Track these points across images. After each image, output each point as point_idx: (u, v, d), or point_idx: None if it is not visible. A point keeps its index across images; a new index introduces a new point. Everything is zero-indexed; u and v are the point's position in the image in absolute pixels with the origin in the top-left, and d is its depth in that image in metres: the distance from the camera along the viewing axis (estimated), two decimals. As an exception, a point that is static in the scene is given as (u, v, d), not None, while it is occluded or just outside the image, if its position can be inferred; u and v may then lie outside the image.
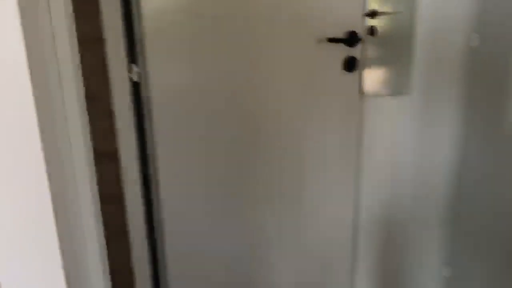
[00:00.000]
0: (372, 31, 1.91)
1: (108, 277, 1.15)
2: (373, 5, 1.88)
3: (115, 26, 1.51)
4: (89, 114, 1.87)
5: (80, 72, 1.00)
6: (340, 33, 1.67)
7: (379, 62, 1.90)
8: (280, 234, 1.90)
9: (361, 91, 1.79)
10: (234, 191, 1.82)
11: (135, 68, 1.57)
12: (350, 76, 1.73)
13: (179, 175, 1.75)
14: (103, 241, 1.12)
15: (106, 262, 1.17)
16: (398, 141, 1.92)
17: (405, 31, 1.84)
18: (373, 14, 1.88)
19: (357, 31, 1.67)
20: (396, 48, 1.89)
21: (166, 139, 1.70)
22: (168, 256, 1.84)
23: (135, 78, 1.58)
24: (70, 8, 0.95)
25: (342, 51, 1.70)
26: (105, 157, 1.86)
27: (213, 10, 1.59)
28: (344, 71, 1.72)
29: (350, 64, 1.71)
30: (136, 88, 1.63)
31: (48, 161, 0.75)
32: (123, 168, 1.72)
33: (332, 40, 1.66)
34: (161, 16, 1.54)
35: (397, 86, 1.88)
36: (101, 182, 1.98)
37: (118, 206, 1.89)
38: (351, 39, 1.67)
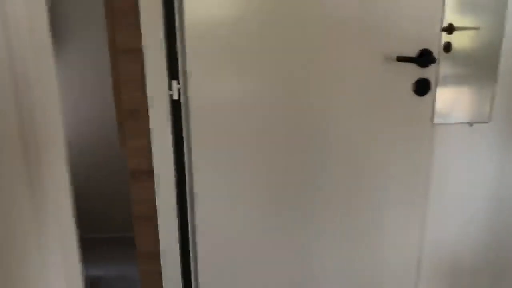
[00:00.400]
0: (447, 47, 1.66)
1: None
2: (450, 19, 1.64)
3: (155, 39, 1.36)
4: (128, 130, 1.76)
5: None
6: (411, 51, 1.44)
7: (455, 84, 1.65)
8: (335, 265, 1.69)
9: (433, 118, 1.55)
10: (281, 217, 1.62)
11: (175, 85, 1.41)
12: (421, 101, 1.50)
13: (218, 198, 1.58)
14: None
15: None
16: (474, 175, 1.66)
17: (488, 49, 1.59)
18: (449, 29, 1.64)
19: (431, 49, 1.44)
20: (476, 68, 1.63)
21: (205, 159, 1.54)
22: (201, 282, 1.68)
23: (175, 96, 1.42)
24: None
25: (413, 72, 1.46)
26: (143, 176, 1.73)
27: (263, 21, 1.41)
28: (414, 94, 1.49)
29: (422, 87, 1.47)
30: (176, 105, 1.48)
31: None
32: (157, 188, 1.57)
33: (402, 59, 1.44)
34: (205, 29, 1.38)
35: (475, 113, 1.63)
36: (138, 201, 1.86)
37: (155, 226, 1.76)
38: (424, 58, 1.43)
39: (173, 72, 1.41)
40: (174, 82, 1.41)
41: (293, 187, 1.59)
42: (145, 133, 1.63)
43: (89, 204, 2.82)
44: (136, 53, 1.47)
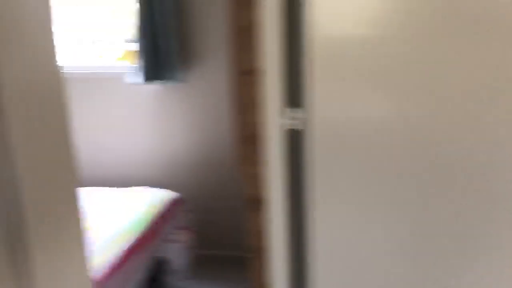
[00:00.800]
0: None
1: None
2: None
3: (274, 61, 1.22)
4: (246, 156, 1.65)
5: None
6: None
7: None
8: None
9: None
10: (418, 263, 1.35)
11: (295, 113, 1.25)
12: None
13: (338, 233, 1.37)
14: None
15: None
16: None
17: None
18: None
19: None
20: None
21: (325, 191, 1.35)
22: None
23: (293, 125, 1.26)
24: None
25: None
26: (259, 205, 1.60)
27: (404, 40, 1.18)
28: None
29: None
30: (294, 133, 1.32)
31: None
32: (267, 219, 1.43)
33: None
34: (333, 49, 1.20)
35: None
36: (252, 232, 1.74)
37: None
38: None
39: (293, 98, 1.26)
40: (294, 110, 1.25)
41: (433, 232, 1.32)
42: (263, 160, 1.50)
43: (204, 222, 2.81)
44: (259, 75, 1.36)
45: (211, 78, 2.59)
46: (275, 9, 1.23)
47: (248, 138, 1.50)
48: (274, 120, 1.27)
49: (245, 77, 1.48)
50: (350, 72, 1.22)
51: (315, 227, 1.42)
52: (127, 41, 2.82)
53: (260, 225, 1.59)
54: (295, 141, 1.33)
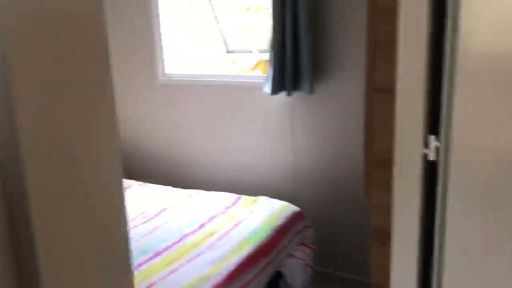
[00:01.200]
0: None
1: None
2: None
3: (413, 80, 1.07)
4: (375, 181, 1.51)
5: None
6: None
7: None
8: None
9: None
10: None
11: (433, 141, 1.09)
12: None
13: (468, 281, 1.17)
14: None
15: None
16: None
17: None
18: None
19: None
20: None
21: (464, 236, 1.16)
22: None
23: (432, 156, 1.10)
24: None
25: None
26: (387, 237, 1.46)
27: None
28: None
29: None
30: (431, 165, 1.15)
31: None
32: (393, 254, 1.28)
33: None
34: (487, 69, 1.01)
35: None
36: (379, 266, 1.59)
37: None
38: None
39: (433, 125, 1.10)
40: (432, 138, 1.09)
41: None
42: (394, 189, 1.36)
43: (325, 240, 2.70)
44: (396, 94, 1.22)
45: (343, 92, 2.48)
46: (419, 22, 1.09)
47: (379, 162, 1.37)
48: (411, 147, 1.12)
49: (380, 95, 1.35)
50: (504, 95, 1.02)
51: (443, 268, 1.25)
52: (260, 51, 2.84)
53: (385, 259, 1.44)
54: (427, 171, 1.16)
